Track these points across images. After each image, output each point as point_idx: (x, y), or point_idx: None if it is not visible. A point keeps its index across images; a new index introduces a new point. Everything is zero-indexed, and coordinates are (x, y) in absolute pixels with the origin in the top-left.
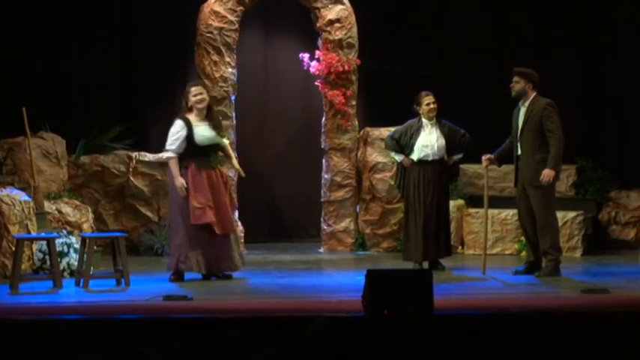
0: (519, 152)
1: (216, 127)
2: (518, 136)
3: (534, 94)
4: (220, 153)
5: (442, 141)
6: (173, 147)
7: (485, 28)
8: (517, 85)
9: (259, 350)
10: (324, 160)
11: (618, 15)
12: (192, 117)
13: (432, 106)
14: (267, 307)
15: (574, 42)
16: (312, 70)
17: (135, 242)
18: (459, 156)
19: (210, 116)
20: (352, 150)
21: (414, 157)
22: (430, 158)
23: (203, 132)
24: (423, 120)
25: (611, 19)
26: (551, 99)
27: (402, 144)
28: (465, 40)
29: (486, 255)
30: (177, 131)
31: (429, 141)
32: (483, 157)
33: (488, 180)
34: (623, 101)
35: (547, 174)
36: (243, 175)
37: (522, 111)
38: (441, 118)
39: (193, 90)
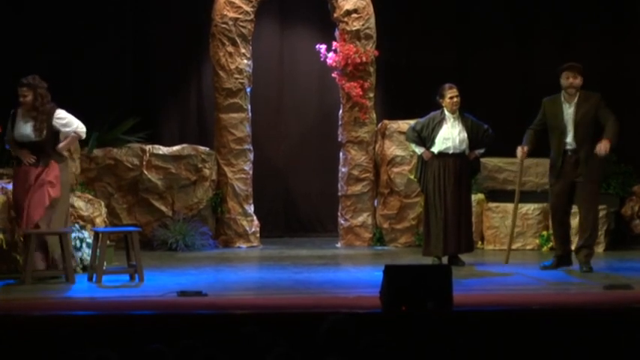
0: (573, 147)
1: (40, 126)
2: (572, 132)
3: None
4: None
5: (464, 135)
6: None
7: (505, 20)
8: (579, 80)
9: (274, 347)
10: (341, 154)
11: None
12: (21, 111)
13: (455, 99)
14: (282, 303)
15: (595, 35)
16: (329, 61)
17: (148, 237)
18: (481, 151)
19: (35, 115)
20: (370, 143)
21: (435, 149)
22: (451, 151)
23: (20, 129)
24: (446, 113)
25: (633, 12)
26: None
27: (424, 136)
28: (484, 32)
29: (511, 244)
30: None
31: (450, 134)
32: (519, 149)
33: (521, 171)
34: None
35: (605, 143)
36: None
37: (570, 108)
38: (464, 112)
39: (19, 89)
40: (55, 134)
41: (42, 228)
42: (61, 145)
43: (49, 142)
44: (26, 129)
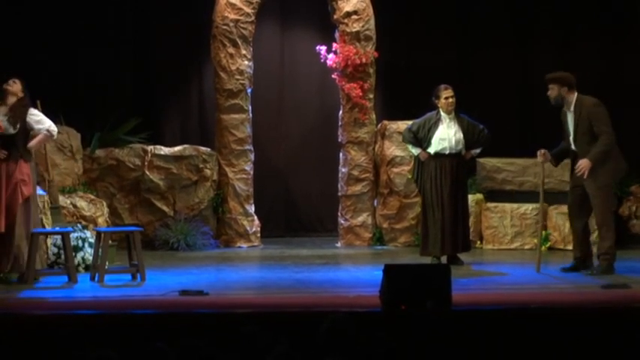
0: (578, 153)
1: (13, 119)
2: (572, 140)
3: (575, 95)
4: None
5: (460, 135)
6: None
7: (505, 20)
8: (552, 91)
9: (275, 346)
10: (341, 154)
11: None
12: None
13: (450, 100)
14: (283, 303)
15: (595, 35)
16: (329, 62)
17: (150, 237)
18: (477, 151)
19: (14, 107)
20: (370, 144)
21: (431, 150)
22: (447, 152)
23: None
24: (442, 113)
25: (633, 12)
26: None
27: (420, 137)
28: (484, 32)
29: (540, 252)
30: None
31: (446, 134)
32: (539, 152)
33: (544, 175)
34: None
35: (584, 164)
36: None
37: (570, 116)
38: (459, 112)
39: (9, 80)
40: (27, 132)
41: (22, 229)
42: (32, 142)
43: (20, 138)
44: (1, 122)
